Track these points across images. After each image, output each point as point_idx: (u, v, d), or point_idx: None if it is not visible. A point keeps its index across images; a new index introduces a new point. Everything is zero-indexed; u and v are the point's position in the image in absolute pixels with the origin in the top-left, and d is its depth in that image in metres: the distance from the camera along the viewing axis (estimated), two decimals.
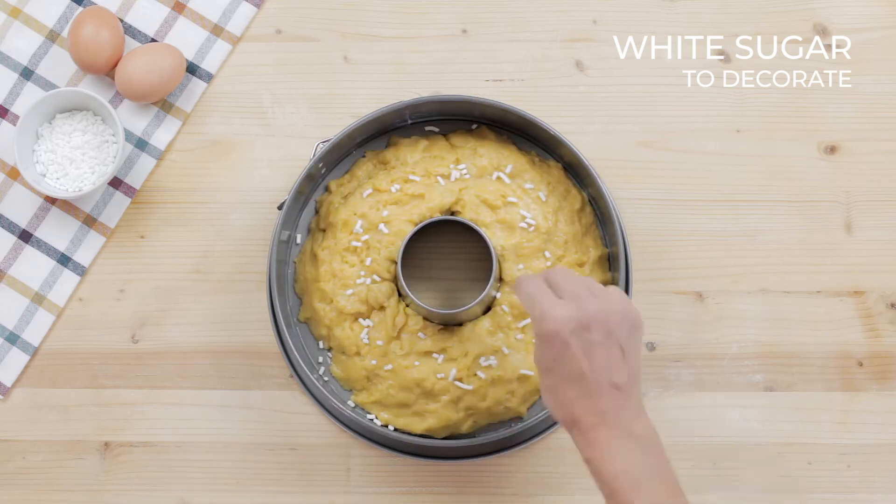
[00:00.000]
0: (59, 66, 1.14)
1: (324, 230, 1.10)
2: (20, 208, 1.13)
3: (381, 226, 1.06)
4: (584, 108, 1.14)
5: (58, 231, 1.12)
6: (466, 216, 1.07)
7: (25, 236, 1.12)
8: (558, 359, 0.83)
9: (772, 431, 1.10)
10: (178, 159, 1.14)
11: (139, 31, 1.15)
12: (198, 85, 1.14)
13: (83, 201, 1.13)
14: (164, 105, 1.14)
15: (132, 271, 1.12)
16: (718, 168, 1.13)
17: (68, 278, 1.12)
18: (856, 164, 1.13)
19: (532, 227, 1.07)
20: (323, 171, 1.10)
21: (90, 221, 1.12)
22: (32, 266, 1.12)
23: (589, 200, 1.10)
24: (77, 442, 1.11)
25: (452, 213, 1.08)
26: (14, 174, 1.13)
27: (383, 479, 1.10)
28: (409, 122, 1.11)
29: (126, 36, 1.14)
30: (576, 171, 1.10)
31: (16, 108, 1.14)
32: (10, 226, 1.12)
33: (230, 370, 1.11)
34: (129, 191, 1.13)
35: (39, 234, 1.12)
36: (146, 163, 1.13)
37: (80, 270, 1.12)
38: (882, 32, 1.14)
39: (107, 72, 1.12)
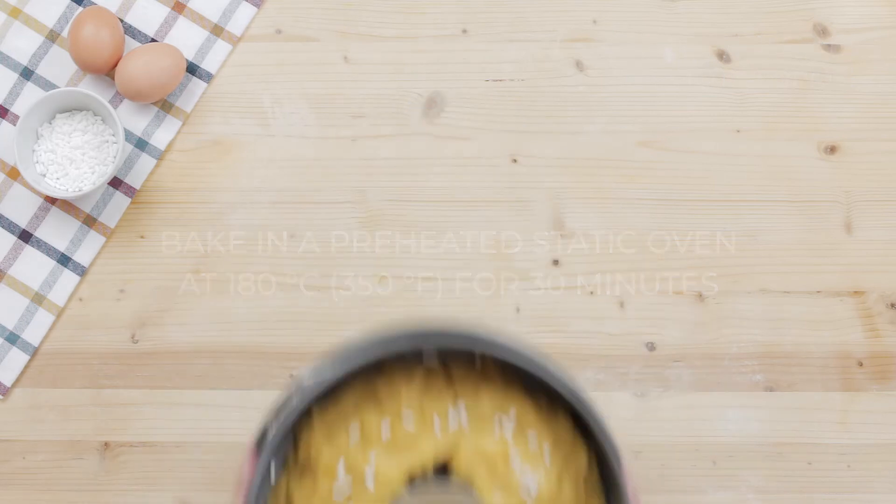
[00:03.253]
0: (59, 66, 1.14)
1: (302, 468, 0.92)
2: (20, 208, 1.13)
3: (368, 475, 0.90)
4: (584, 108, 1.14)
5: (58, 231, 1.12)
6: (461, 471, 0.92)
7: (25, 236, 1.12)
8: None
9: (772, 431, 1.10)
10: (178, 159, 1.14)
11: (139, 31, 1.15)
12: (198, 85, 1.14)
13: (83, 201, 1.13)
14: (164, 105, 1.14)
15: (132, 271, 1.13)
16: (718, 168, 1.13)
17: (68, 278, 1.12)
18: (856, 164, 1.13)
19: (534, 493, 0.91)
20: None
21: (90, 221, 1.12)
22: (32, 266, 1.12)
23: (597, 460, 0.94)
24: (77, 442, 1.11)
25: (445, 466, 0.93)
26: (14, 174, 1.13)
27: None
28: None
29: (126, 36, 1.14)
30: (584, 423, 0.92)
31: (16, 108, 1.14)
32: (10, 226, 1.13)
33: (230, 370, 1.11)
34: (129, 191, 1.13)
35: (39, 234, 1.12)
36: (146, 163, 1.13)
37: (80, 270, 1.12)
38: (882, 32, 1.15)
39: (107, 72, 1.12)
